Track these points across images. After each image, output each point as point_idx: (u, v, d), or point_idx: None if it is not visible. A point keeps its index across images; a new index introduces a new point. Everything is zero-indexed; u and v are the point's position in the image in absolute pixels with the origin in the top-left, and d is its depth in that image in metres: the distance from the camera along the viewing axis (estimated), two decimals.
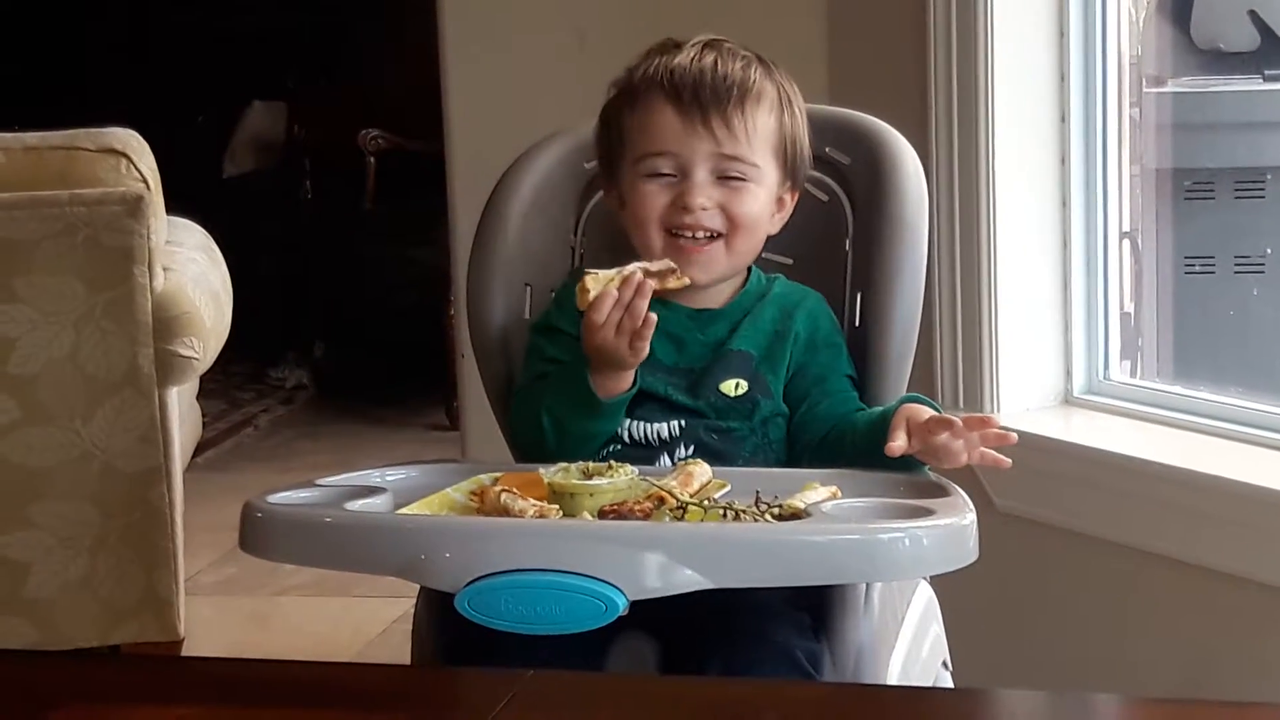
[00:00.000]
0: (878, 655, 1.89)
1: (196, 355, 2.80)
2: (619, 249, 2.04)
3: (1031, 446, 2.33)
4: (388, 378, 5.53)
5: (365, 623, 3.49)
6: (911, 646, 2.00)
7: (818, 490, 1.75)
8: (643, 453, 1.95)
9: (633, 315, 1.86)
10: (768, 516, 1.69)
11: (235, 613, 3.67)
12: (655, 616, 1.64)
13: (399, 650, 2.39)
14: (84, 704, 1.58)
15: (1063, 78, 2.70)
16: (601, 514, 1.70)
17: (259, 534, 1.73)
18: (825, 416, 1.98)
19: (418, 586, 1.81)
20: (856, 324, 2.07)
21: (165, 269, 2.80)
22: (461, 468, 1.95)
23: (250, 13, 6.11)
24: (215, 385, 5.16)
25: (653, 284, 1.89)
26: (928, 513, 1.66)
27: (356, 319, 5.56)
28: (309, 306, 5.66)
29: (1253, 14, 2.82)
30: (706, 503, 1.72)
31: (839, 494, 1.75)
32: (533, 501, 1.71)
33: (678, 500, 1.71)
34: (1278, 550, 2.36)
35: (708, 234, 1.98)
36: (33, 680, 1.65)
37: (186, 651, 2.92)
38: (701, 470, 1.79)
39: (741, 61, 2.00)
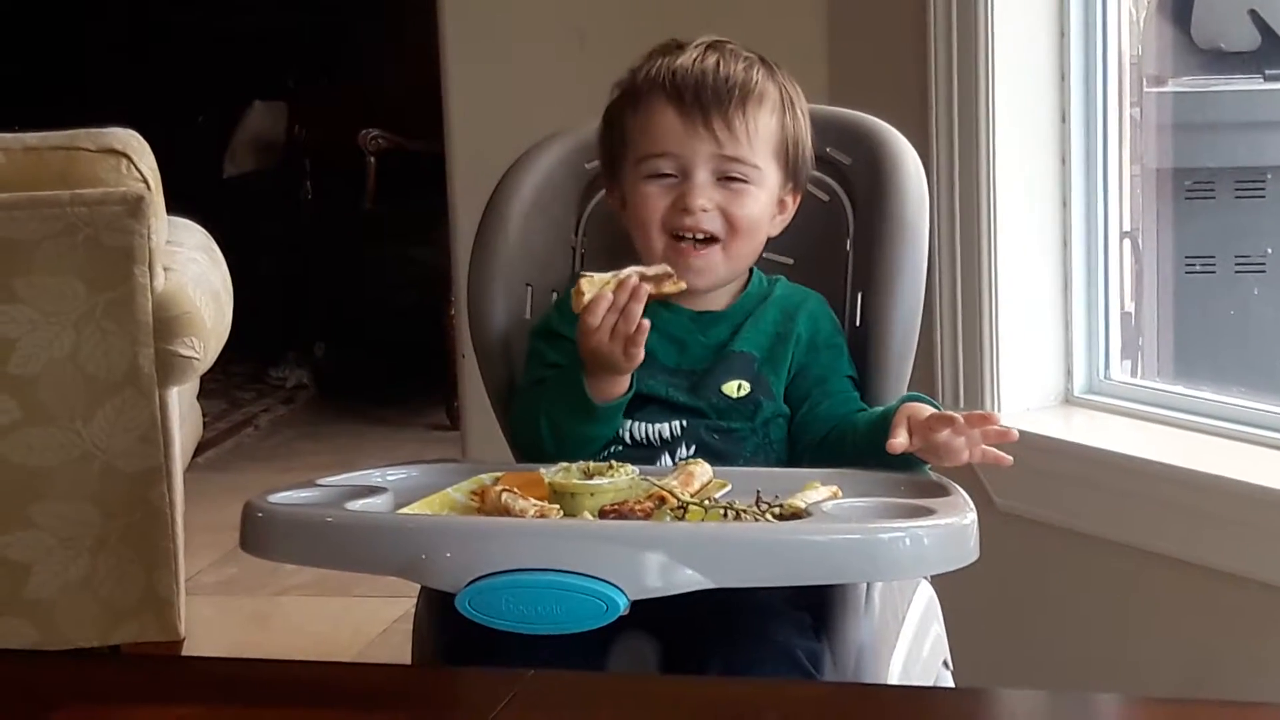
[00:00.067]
0: (878, 655, 1.89)
1: (197, 355, 2.80)
2: (620, 249, 2.04)
3: (1032, 446, 2.33)
4: (388, 378, 5.53)
5: (366, 622, 3.49)
6: (912, 646, 2.00)
7: (818, 490, 1.75)
8: (644, 453, 1.95)
9: (627, 319, 1.86)
10: (768, 516, 1.69)
11: (236, 613, 3.67)
12: (656, 616, 1.64)
13: (399, 650, 2.39)
14: (84, 704, 1.58)
15: (1063, 78, 2.70)
16: (602, 514, 1.70)
17: (260, 534, 1.73)
18: (826, 417, 1.98)
19: (418, 586, 1.81)
20: (857, 324, 2.08)
21: (166, 269, 2.80)
22: (462, 467, 1.94)
23: (250, 13, 6.11)
24: (216, 385, 5.17)
25: (648, 288, 1.88)
26: (928, 512, 1.66)
27: (357, 319, 5.56)
28: (309, 306, 5.66)
29: (1253, 14, 2.82)
30: (707, 502, 1.72)
31: (840, 494, 1.75)
32: (533, 501, 1.71)
33: (678, 500, 1.71)
34: (1278, 550, 2.36)
35: (706, 237, 1.98)
36: (33, 680, 1.65)
37: (187, 651, 2.92)
38: (702, 470, 1.79)
39: (744, 63, 2.00)
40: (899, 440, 1.82)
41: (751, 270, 2.06)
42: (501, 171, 2.18)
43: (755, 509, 1.70)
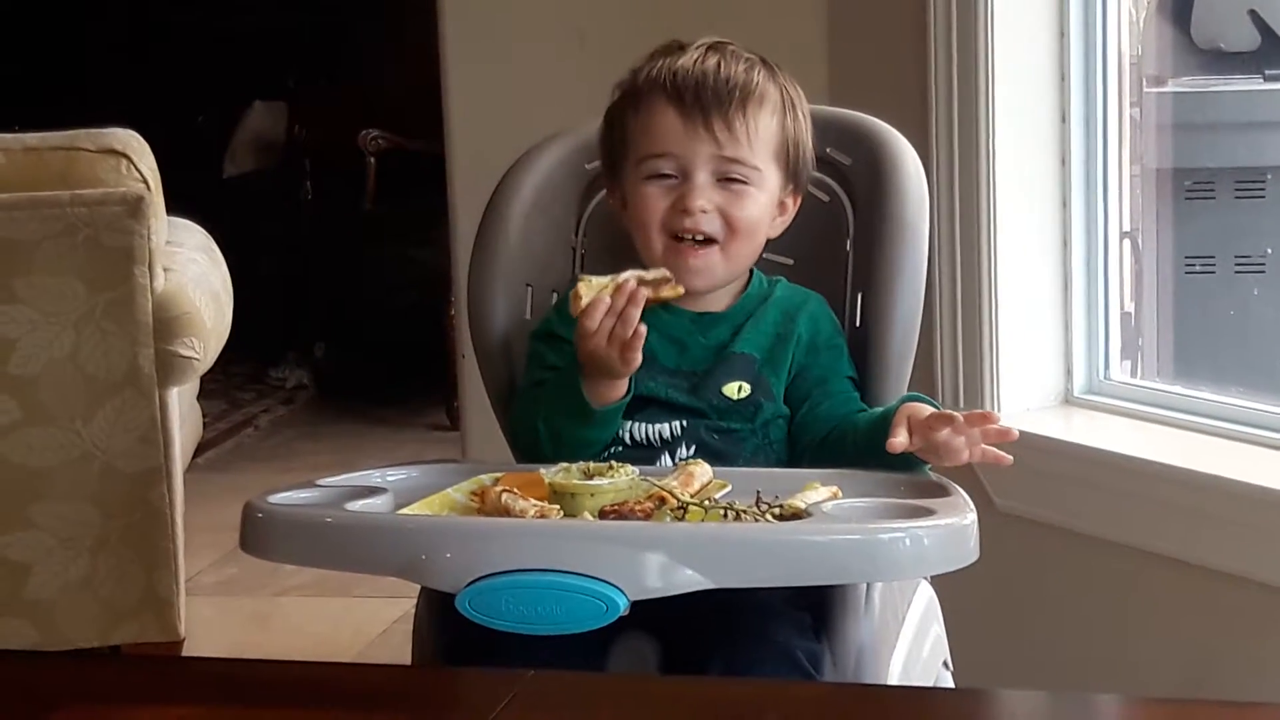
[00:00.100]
0: (878, 655, 1.89)
1: (197, 355, 2.80)
2: (620, 250, 2.04)
3: (1032, 446, 2.33)
4: (388, 378, 5.53)
5: (366, 623, 3.49)
6: (912, 646, 2.00)
7: (818, 490, 1.75)
8: (644, 453, 1.95)
9: (625, 323, 1.85)
10: (768, 516, 1.69)
11: (236, 613, 3.67)
12: (656, 616, 1.64)
13: (399, 650, 2.39)
14: (85, 705, 1.58)
15: (1063, 78, 2.70)
16: (602, 514, 1.70)
17: (260, 534, 1.73)
18: (826, 417, 1.98)
19: (418, 587, 1.81)
20: (857, 324, 2.08)
21: (166, 269, 2.80)
22: (462, 468, 1.94)
23: (250, 13, 6.11)
24: (216, 385, 5.17)
25: (646, 293, 1.88)
26: (928, 513, 1.66)
27: (357, 319, 5.56)
28: (309, 307, 5.66)
29: (1253, 14, 2.82)
30: (707, 503, 1.72)
31: (840, 494, 1.75)
32: (533, 502, 1.71)
33: (678, 500, 1.71)
34: (1278, 550, 2.36)
35: (705, 238, 1.98)
36: (33, 681, 1.65)
37: (187, 652, 2.92)
38: (702, 470, 1.79)
39: (745, 64, 2.00)
40: (899, 440, 1.82)
41: (752, 271, 2.06)
42: (501, 172, 2.18)
43: (755, 509, 1.70)
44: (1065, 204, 2.72)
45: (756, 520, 1.68)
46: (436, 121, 3.28)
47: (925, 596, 2.08)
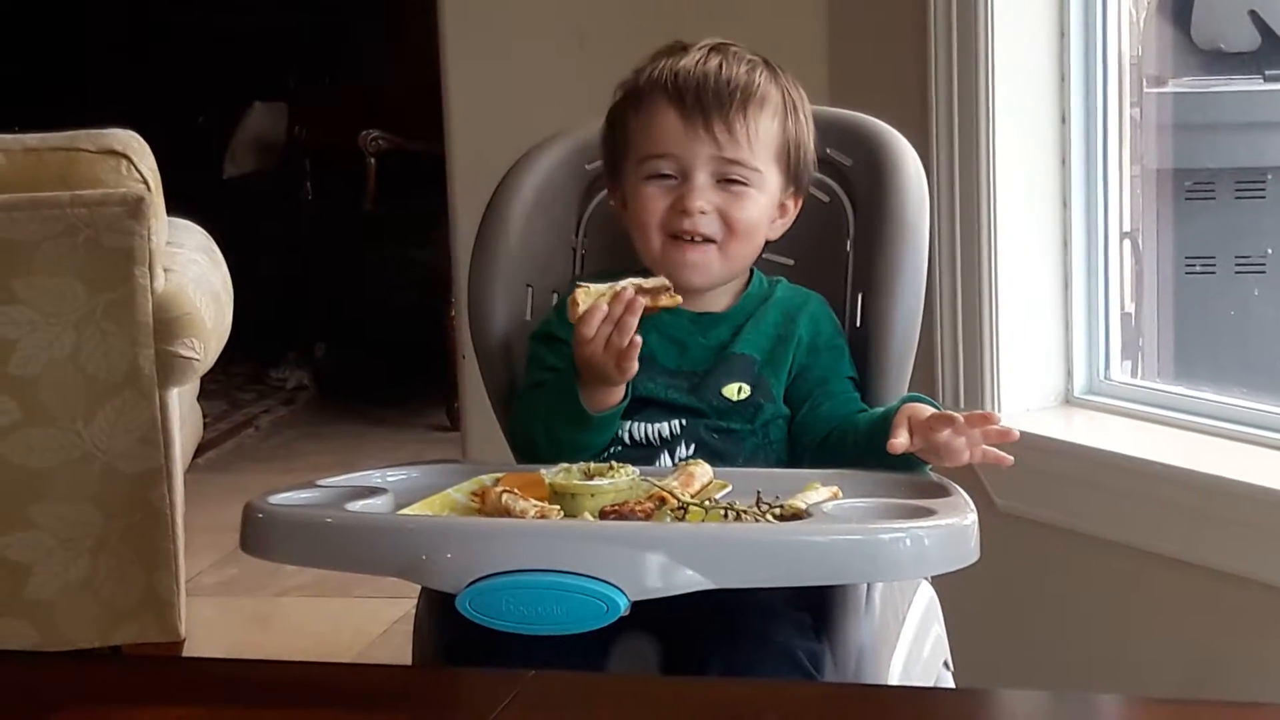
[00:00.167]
0: (879, 655, 1.89)
1: (197, 356, 2.80)
2: (621, 250, 2.04)
3: (1032, 446, 2.33)
4: (389, 378, 5.53)
5: (366, 623, 3.49)
6: (913, 646, 2.00)
7: (819, 490, 1.75)
8: (644, 453, 1.95)
9: (621, 331, 1.85)
10: (769, 517, 1.69)
11: (236, 613, 3.67)
12: (656, 617, 1.64)
13: (400, 651, 2.39)
14: (85, 705, 1.58)
15: (1063, 78, 2.70)
16: (602, 514, 1.70)
17: (260, 535, 1.72)
18: (827, 417, 1.98)
19: (419, 587, 1.81)
20: (858, 324, 2.08)
21: (166, 270, 2.80)
22: (462, 468, 1.94)
23: (250, 13, 6.12)
24: (216, 386, 5.17)
25: (644, 301, 1.87)
26: (929, 513, 1.66)
27: (357, 320, 5.57)
28: (310, 307, 5.66)
29: (1253, 14, 2.82)
30: (707, 503, 1.72)
31: (840, 494, 1.75)
32: (534, 502, 1.71)
33: (679, 500, 1.71)
34: (1279, 550, 2.36)
35: (703, 238, 1.98)
36: (34, 681, 1.65)
37: (187, 652, 2.92)
38: (702, 470, 1.79)
39: (747, 66, 2.00)
40: (899, 440, 1.82)
41: (752, 271, 2.06)
42: (502, 172, 2.18)
43: (755, 509, 1.70)
44: (1065, 204, 2.72)
45: (757, 520, 1.68)
46: (436, 122, 3.28)
47: (926, 597, 2.08)
